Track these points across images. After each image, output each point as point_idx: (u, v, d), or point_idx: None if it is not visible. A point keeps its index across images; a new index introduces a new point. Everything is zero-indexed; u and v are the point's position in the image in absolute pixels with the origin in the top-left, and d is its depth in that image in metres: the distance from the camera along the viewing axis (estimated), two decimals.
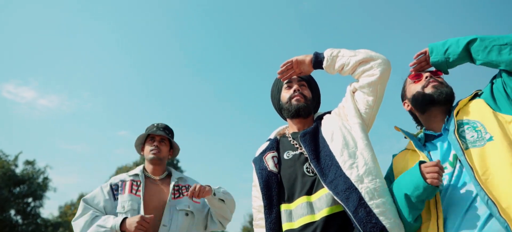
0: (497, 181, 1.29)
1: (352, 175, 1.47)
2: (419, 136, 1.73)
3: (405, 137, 1.73)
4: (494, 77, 1.60)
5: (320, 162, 1.58)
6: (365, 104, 1.65)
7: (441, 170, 1.34)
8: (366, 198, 1.41)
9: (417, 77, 1.74)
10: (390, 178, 1.69)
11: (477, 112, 1.53)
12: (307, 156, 1.63)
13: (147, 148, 2.44)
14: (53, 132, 41.21)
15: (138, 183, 2.30)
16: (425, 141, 1.65)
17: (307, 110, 1.81)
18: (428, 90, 1.65)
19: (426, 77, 1.69)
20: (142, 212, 2.15)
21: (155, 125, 2.50)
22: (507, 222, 1.20)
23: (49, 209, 56.61)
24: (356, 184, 1.45)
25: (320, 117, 1.81)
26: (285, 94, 1.84)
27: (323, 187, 1.53)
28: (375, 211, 1.39)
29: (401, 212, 1.43)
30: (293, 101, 1.79)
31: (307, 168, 1.63)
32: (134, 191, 2.26)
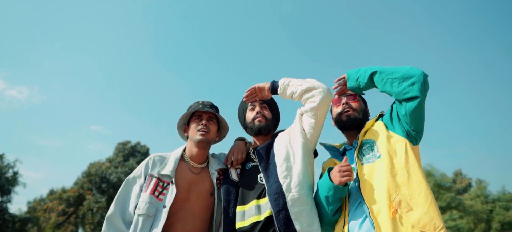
0: (373, 191, 1.72)
1: (284, 184, 1.83)
2: (344, 144, 2.14)
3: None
4: (394, 102, 1.94)
5: (268, 171, 1.94)
6: (309, 125, 1.98)
7: (348, 169, 1.74)
8: (289, 204, 1.79)
9: (337, 102, 2.09)
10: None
11: (376, 133, 1.89)
12: (259, 167, 2.01)
13: (193, 127, 2.12)
14: (23, 125, 39.90)
15: (165, 185, 1.98)
16: (345, 151, 2.08)
17: (267, 129, 2.15)
18: (343, 117, 2.02)
19: (343, 104, 2.04)
20: (162, 221, 1.86)
21: (200, 102, 2.18)
22: (373, 222, 1.64)
23: (17, 205, 54.65)
24: (285, 192, 1.80)
25: (276, 134, 2.17)
26: (250, 115, 2.21)
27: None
28: (292, 216, 1.77)
29: (323, 208, 1.85)
30: (256, 122, 2.16)
31: (260, 177, 1.99)
32: (156, 194, 1.96)
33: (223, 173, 2.13)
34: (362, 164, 1.84)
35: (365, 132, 1.96)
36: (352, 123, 2.01)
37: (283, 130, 2.19)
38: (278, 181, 1.85)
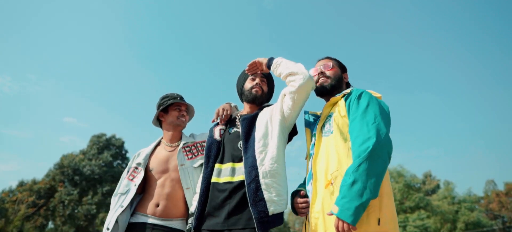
0: (319, 163, 1.91)
1: (259, 158, 2.00)
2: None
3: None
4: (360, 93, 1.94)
5: (247, 142, 2.11)
6: (287, 106, 2.13)
7: (304, 206, 1.95)
8: (260, 176, 1.95)
9: (314, 69, 2.24)
10: None
11: (336, 109, 1.97)
12: (240, 134, 2.17)
13: (174, 114, 2.58)
14: None
15: (139, 170, 2.47)
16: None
17: (261, 100, 2.36)
18: (318, 84, 2.18)
19: (316, 70, 2.20)
20: (131, 192, 2.38)
21: (175, 95, 2.64)
22: (312, 189, 1.87)
23: None
24: (258, 166, 1.98)
25: (263, 108, 2.33)
26: (248, 84, 2.39)
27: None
28: (263, 186, 1.92)
29: None
30: (253, 91, 2.35)
31: (239, 144, 2.16)
32: (131, 178, 2.48)
33: (209, 131, 2.40)
34: (322, 136, 1.99)
35: (333, 105, 2.04)
36: (321, 91, 2.17)
37: (269, 105, 2.37)
38: (254, 155, 2.02)
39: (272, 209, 1.89)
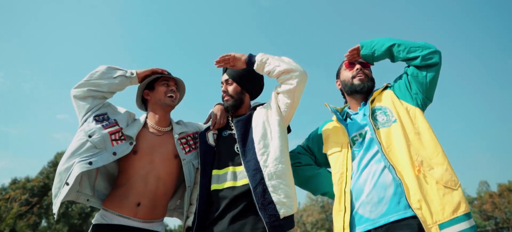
0: (396, 152, 1.80)
1: (261, 160, 1.90)
2: (344, 109, 2.24)
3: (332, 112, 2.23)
4: (399, 76, 2.07)
5: (245, 145, 2.00)
6: (284, 105, 2.04)
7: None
8: (266, 179, 1.84)
9: (350, 66, 2.17)
10: (317, 137, 2.26)
11: (387, 100, 1.98)
12: (236, 137, 2.04)
13: (161, 90, 2.18)
14: None
15: (122, 138, 2.02)
16: (347, 116, 2.18)
17: (234, 105, 2.21)
18: (356, 81, 2.10)
19: (357, 69, 2.12)
20: (104, 161, 1.89)
21: (162, 70, 2.24)
22: (400, 180, 1.72)
23: None
24: (262, 168, 1.87)
25: (255, 108, 2.21)
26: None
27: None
28: (270, 189, 1.82)
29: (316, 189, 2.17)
30: (224, 101, 2.26)
31: (236, 147, 2.05)
32: (112, 138, 1.98)
33: (200, 137, 2.20)
34: (378, 128, 1.92)
35: (372, 101, 2.05)
36: (363, 88, 2.11)
37: (262, 104, 2.24)
38: (256, 158, 1.92)
39: (282, 212, 1.80)
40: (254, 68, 2.10)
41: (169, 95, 2.18)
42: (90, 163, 1.83)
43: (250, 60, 2.09)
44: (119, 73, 2.10)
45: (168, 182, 2.09)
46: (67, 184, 1.78)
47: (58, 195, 1.80)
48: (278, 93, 2.08)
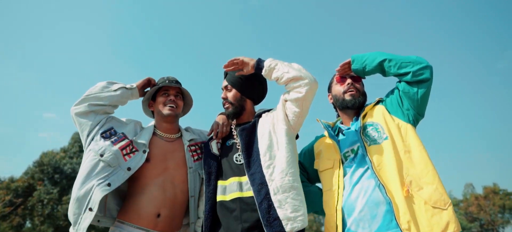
0: (386, 171, 1.79)
1: (267, 173, 1.82)
2: (337, 124, 2.21)
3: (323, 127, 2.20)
4: (391, 91, 2.06)
5: (250, 156, 1.92)
6: (293, 113, 1.95)
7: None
8: (271, 193, 1.77)
9: (342, 81, 2.15)
10: (309, 152, 2.25)
11: (379, 116, 1.97)
12: (239, 147, 1.99)
13: (160, 102, 2.16)
14: None
15: (134, 150, 1.99)
16: (339, 131, 2.14)
17: (235, 112, 2.14)
18: (347, 96, 2.09)
19: (348, 84, 2.11)
20: (121, 180, 1.87)
21: (165, 78, 2.20)
22: (390, 200, 1.70)
23: None
24: (268, 182, 1.80)
25: (260, 115, 2.12)
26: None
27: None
28: (276, 204, 1.75)
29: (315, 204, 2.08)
30: (225, 109, 2.17)
31: (236, 157, 1.99)
32: (124, 153, 1.94)
33: (204, 146, 2.15)
34: (369, 145, 1.90)
35: (364, 116, 2.04)
36: (354, 104, 2.08)
37: (268, 110, 2.16)
38: (262, 171, 1.85)
39: (289, 228, 1.71)
40: (262, 73, 2.02)
41: (169, 105, 2.14)
42: (109, 185, 1.81)
43: (259, 65, 2.03)
44: (119, 85, 2.07)
45: (185, 190, 2.04)
46: (90, 209, 1.75)
47: (81, 222, 1.74)
48: (286, 101, 1.99)
